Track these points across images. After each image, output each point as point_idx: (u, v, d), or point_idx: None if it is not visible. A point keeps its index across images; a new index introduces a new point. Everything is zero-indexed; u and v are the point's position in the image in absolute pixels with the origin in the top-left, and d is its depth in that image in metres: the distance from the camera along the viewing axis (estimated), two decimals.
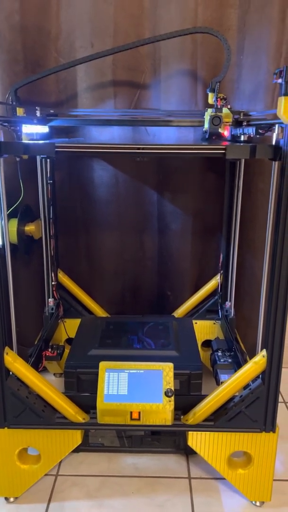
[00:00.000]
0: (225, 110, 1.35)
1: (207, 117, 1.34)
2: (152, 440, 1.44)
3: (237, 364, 1.44)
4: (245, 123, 1.40)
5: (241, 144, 1.32)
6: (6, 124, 1.25)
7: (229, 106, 1.38)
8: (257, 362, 1.20)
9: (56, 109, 1.54)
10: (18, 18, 1.53)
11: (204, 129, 1.38)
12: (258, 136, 1.25)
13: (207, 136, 1.35)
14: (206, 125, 1.35)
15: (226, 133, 1.36)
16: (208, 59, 1.58)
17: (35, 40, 1.56)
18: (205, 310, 1.82)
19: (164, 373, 1.27)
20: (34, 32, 1.56)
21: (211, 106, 1.36)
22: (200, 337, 1.78)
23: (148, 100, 1.64)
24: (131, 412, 1.22)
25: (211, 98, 1.37)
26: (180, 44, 1.55)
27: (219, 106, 1.34)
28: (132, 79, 1.61)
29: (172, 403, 1.22)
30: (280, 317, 1.15)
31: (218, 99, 1.35)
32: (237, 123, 1.41)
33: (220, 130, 1.34)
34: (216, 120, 1.32)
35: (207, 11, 1.53)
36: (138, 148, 1.18)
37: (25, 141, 1.32)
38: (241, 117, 1.41)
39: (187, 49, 1.57)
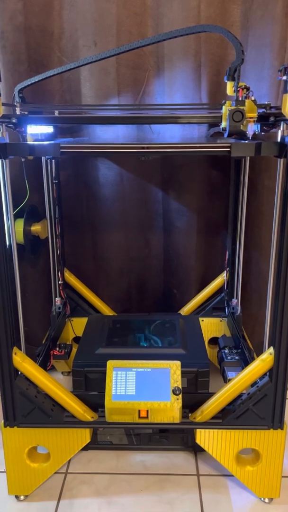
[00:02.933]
0: (248, 103, 1.10)
1: (225, 112, 1.11)
2: (160, 438, 1.45)
3: (244, 362, 1.44)
4: (272, 118, 1.16)
5: (246, 141, 1.28)
6: (11, 125, 1.25)
7: (252, 98, 1.12)
8: (264, 360, 1.20)
9: (60, 108, 1.55)
10: (21, 18, 1.53)
11: (222, 127, 1.16)
12: (263, 133, 1.24)
13: (226, 135, 1.13)
14: (224, 123, 1.11)
15: (249, 131, 1.11)
16: (211, 56, 1.57)
17: (39, 40, 1.57)
18: (211, 307, 1.82)
19: (172, 371, 1.27)
20: (38, 32, 1.56)
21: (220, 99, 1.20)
22: (207, 335, 1.78)
23: (152, 98, 1.64)
24: (139, 411, 1.22)
25: (230, 88, 1.12)
26: (184, 42, 1.55)
27: (240, 98, 1.10)
28: (136, 77, 1.61)
29: (180, 401, 1.23)
30: (287, 314, 1.14)
31: (240, 89, 1.10)
32: (262, 119, 1.18)
33: (241, 128, 1.09)
34: (237, 116, 1.06)
35: (210, 8, 1.52)
36: (143, 148, 1.18)
37: (30, 141, 1.33)
38: (268, 111, 1.18)
39: (190, 46, 1.57)
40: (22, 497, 1.32)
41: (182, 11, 1.53)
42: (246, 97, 1.12)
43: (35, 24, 1.55)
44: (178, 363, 1.29)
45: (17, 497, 1.32)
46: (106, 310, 1.85)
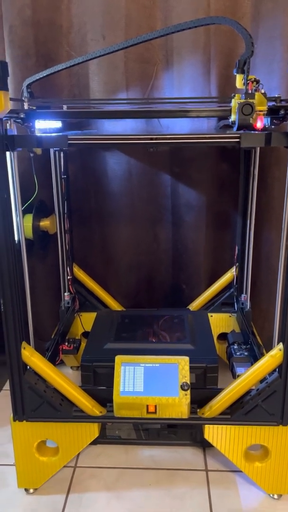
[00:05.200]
0: (257, 96, 1.08)
1: (235, 105, 1.09)
2: (168, 433, 1.45)
3: (254, 358, 1.43)
4: (282, 112, 1.16)
5: (256, 132, 1.20)
6: (19, 120, 1.25)
7: (262, 91, 1.10)
8: (274, 356, 1.19)
9: (69, 103, 1.54)
10: (29, 12, 1.53)
11: (231, 120, 1.15)
12: (273, 126, 1.23)
13: (235, 129, 1.10)
14: (234, 116, 1.10)
15: (259, 124, 1.08)
16: (221, 48, 1.55)
17: (47, 34, 1.56)
18: (220, 303, 1.81)
19: (180, 366, 1.27)
20: (46, 26, 1.56)
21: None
22: (216, 330, 1.78)
23: (161, 92, 1.62)
24: (147, 406, 1.22)
25: (239, 81, 1.11)
26: (193, 35, 1.53)
27: (250, 91, 1.08)
28: (144, 71, 1.60)
29: (188, 396, 1.22)
30: None
31: (249, 81, 1.08)
32: (272, 112, 1.17)
33: (251, 121, 1.07)
34: (247, 109, 1.04)
35: (219, 0, 1.50)
36: (151, 139, 1.17)
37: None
38: (278, 104, 1.17)
39: (200, 39, 1.55)
40: (31, 490, 1.33)
41: (191, 4, 1.51)
42: (255, 90, 1.09)
43: (43, 18, 1.55)
44: (186, 358, 1.28)
45: (26, 490, 1.33)
46: (114, 305, 1.85)
